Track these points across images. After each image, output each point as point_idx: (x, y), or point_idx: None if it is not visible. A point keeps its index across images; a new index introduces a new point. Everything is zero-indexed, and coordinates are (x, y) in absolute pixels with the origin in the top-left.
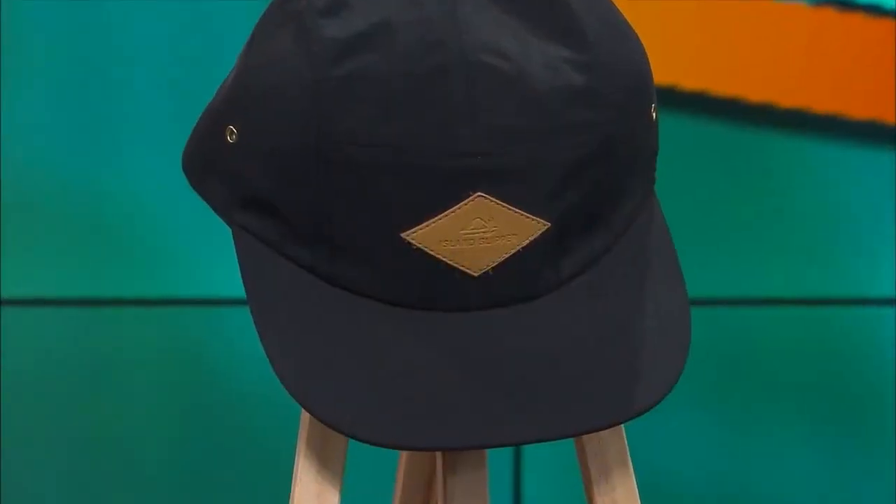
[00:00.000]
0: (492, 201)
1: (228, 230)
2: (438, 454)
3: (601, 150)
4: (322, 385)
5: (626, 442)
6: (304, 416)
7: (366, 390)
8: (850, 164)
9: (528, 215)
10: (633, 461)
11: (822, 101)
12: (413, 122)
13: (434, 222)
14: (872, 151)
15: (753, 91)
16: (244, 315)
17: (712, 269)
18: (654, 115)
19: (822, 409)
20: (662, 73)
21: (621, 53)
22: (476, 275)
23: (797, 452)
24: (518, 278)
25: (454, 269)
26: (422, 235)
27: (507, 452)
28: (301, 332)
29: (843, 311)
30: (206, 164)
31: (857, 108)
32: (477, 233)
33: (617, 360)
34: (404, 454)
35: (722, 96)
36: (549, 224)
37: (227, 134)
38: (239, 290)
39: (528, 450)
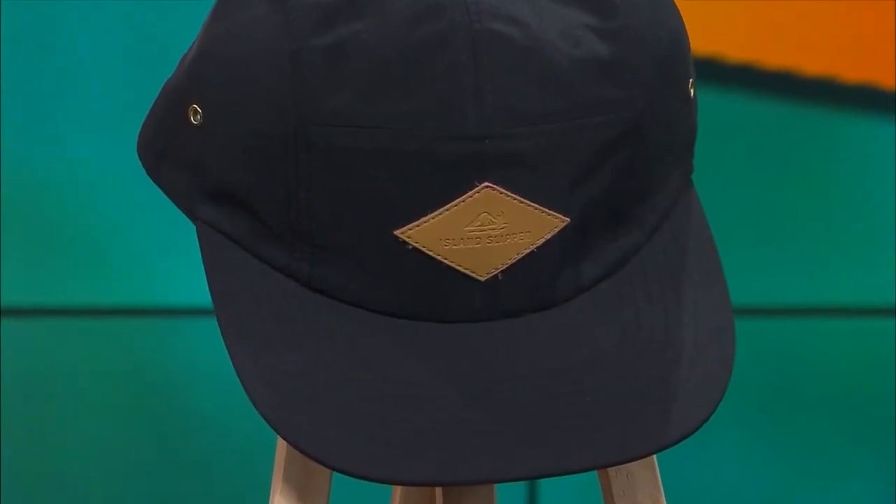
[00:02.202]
0: (501, 193)
1: (192, 227)
2: (438, 490)
3: (630, 132)
4: (301, 408)
5: (658, 475)
6: (281, 444)
7: (353, 415)
8: None
9: (544, 209)
10: (666, 496)
11: (892, 76)
12: (409, 100)
13: (434, 218)
14: None
15: (811, 62)
16: (211, 327)
17: (762, 273)
18: (691, 91)
19: (879, 431)
20: (702, 41)
21: (653, 19)
22: (482, 279)
23: (854, 482)
24: (532, 283)
25: (456, 272)
26: (419, 233)
27: (519, 487)
28: (277, 347)
29: None
30: (165, 150)
31: None
32: (484, 230)
33: (648, 379)
34: (399, 489)
35: (773, 69)
36: (569, 219)
37: (191, 114)
38: (204, 297)
39: (545, 484)
